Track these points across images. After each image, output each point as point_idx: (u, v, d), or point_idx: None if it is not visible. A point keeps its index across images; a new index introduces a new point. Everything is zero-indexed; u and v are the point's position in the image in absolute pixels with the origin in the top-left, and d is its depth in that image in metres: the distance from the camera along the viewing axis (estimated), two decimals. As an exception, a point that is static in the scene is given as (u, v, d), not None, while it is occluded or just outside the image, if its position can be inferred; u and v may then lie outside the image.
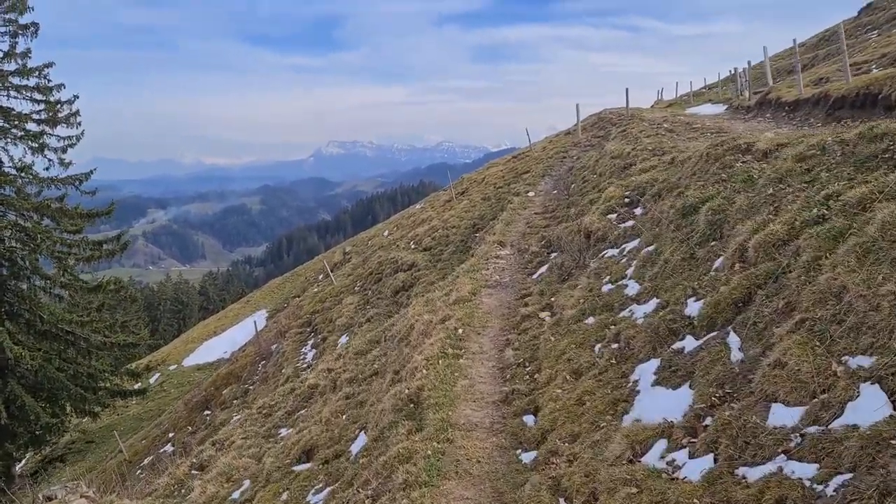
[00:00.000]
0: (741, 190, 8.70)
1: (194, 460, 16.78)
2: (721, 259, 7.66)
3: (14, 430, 33.62)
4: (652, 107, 54.72)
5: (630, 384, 6.84)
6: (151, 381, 49.31)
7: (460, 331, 10.84)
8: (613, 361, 7.45)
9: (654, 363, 6.84)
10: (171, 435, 35.39)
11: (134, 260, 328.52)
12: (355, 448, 9.52)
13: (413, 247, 33.65)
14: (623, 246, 11.31)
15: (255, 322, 41.56)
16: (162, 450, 33.85)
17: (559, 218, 21.81)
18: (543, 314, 10.68)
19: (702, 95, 55.55)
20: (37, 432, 35.03)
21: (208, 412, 35.26)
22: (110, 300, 40.53)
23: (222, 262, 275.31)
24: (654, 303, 8.19)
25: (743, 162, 10.03)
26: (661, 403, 6.12)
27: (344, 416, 11.46)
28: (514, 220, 24.21)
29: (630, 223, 12.20)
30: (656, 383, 6.50)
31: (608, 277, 10.24)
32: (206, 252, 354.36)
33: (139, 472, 31.93)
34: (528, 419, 7.52)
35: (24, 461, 41.45)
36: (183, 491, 13.14)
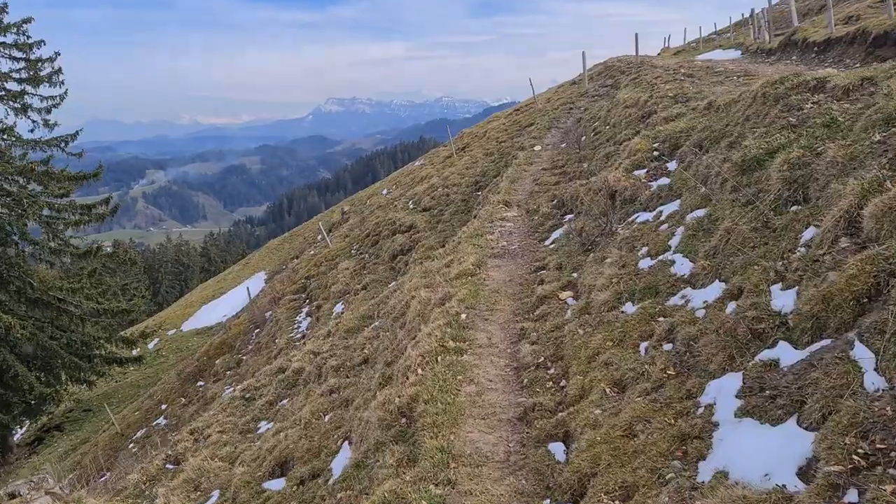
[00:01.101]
0: (825, 137, 6.67)
1: (169, 452, 15.04)
2: (813, 230, 5.67)
3: (8, 399, 33.12)
4: (659, 54, 52.21)
5: (702, 410, 4.88)
6: (150, 346, 47.93)
7: (463, 315, 8.90)
8: (671, 372, 5.49)
9: (734, 380, 4.87)
10: (163, 407, 33.91)
11: (135, 221, 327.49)
12: (336, 466, 7.66)
13: (412, 207, 31.66)
14: (659, 209, 9.31)
15: (247, 289, 39.69)
16: (155, 422, 32.47)
17: (570, 174, 19.77)
18: (565, 294, 8.74)
19: (711, 42, 53.03)
20: (31, 402, 34.41)
21: (201, 383, 33.75)
22: (110, 264, 39.45)
23: (223, 222, 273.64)
24: (717, 288, 6.21)
25: (814, 103, 7.98)
26: (755, 447, 4.18)
27: (326, 418, 9.59)
28: (519, 178, 22.15)
29: (664, 181, 10.18)
30: (743, 413, 4.54)
31: (646, 249, 8.25)
32: (206, 212, 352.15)
33: (131, 445, 30.63)
34: (557, 449, 5.59)
35: (22, 430, 40.44)
36: (146, 502, 11.33)
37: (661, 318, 6.46)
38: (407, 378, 7.45)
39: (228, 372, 31.51)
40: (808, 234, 5.75)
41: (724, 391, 4.88)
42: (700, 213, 7.97)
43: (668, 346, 5.98)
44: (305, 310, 30.49)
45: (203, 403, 28.78)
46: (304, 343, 17.34)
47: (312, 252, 42.86)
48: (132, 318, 46.10)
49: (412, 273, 15.34)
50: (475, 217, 20.18)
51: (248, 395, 16.04)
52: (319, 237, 48.45)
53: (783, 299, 5.23)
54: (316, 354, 13.66)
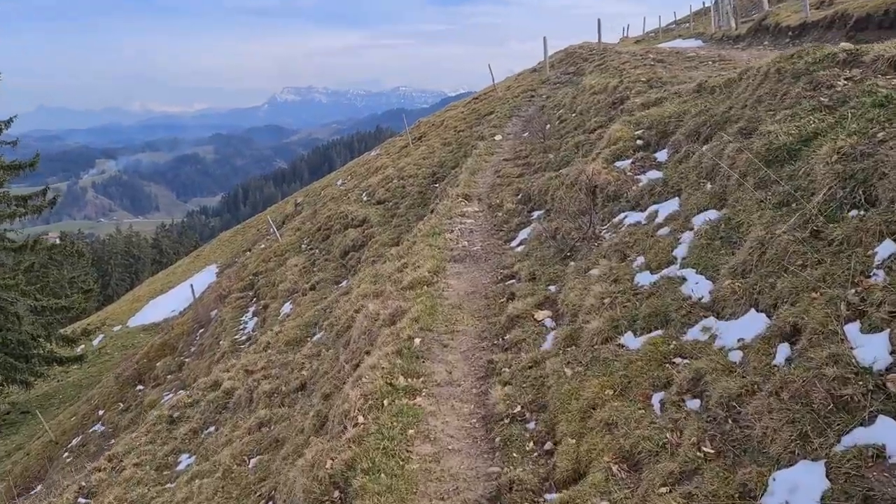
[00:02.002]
0: (884, 120, 5.12)
1: (83, 483, 13.14)
2: (893, 245, 4.09)
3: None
4: (618, 44, 50.98)
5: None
6: (95, 342, 45.50)
7: (417, 341, 7.20)
8: (708, 449, 3.85)
9: (814, 475, 3.25)
10: (101, 413, 31.69)
11: (85, 212, 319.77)
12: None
13: (365, 199, 29.86)
14: (653, 208, 7.71)
15: (191, 286, 37.50)
16: (92, 429, 30.32)
17: (535, 166, 18.17)
18: (542, 315, 7.08)
19: (671, 31, 52.08)
20: (-39, 405, 32.34)
21: (141, 387, 31.64)
22: (57, 256, 38.73)
23: (177, 213, 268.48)
24: (757, 321, 4.60)
25: (848, 79, 6.44)
26: None
27: (251, 463, 7.85)
28: (480, 169, 20.49)
29: (655, 174, 8.59)
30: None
31: (642, 260, 6.63)
32: (159, 203, 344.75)
33: (66, 454, 28.52)
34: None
35: (-46, 435, 38.06)
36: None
37: (678, 360, 4.84)
38: (345, 429, 5.76)
39: (169, 376, 29.52)
40: (885, 249, 4.17)
41: (800, 491, 3.25)
42: (712, 214, 6.38)
43: (694, 404, 4.36)
44: (252, 309, 28.55)
45: (140, 411, 26.85)
46: (245, 351, 15.47)
47: (263, 246, 40.83)
48: (77, 313, 43.94)
49: (361, 277, 13.63)
50: (432, 212, 18.50)
51: (175, 415, 14.17)
52: (271, 230, 46.50)
53: (870, 348, 3.63)
54: (249, 373, 11.87)
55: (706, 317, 5.14)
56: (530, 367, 5.97)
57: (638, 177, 8.78)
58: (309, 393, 8.79)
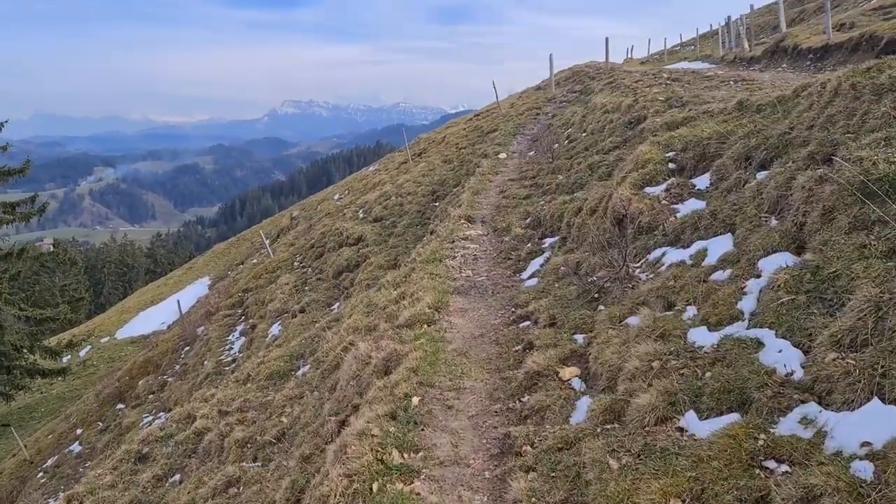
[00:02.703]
0: None
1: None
2: None
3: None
4: (623, 64, 50.00)
5: None
6: (82, 353, 44.20)
7: (416, 400, 5.85)
8: None
9: None
10: (79, 432, 30.34)
11: (81, 219, 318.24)
12: None
13: (361, 216, 28.64)
14: (699, 245, 6.45)
15: (178, 301, 36.18)
16: (68, 449, 28.99)
17: (544, 187, 16.95)
18: (569, 373, 5.75)
19: (676, 53, 51.26)
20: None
21: (121, 406, 30.32)
22: (49, 264, 38.12)
23: (173, 222, 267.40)
24: (885, 416, 3.34)
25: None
26: None
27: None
28: (484, 189, 19.27)
29: (696, 204, 7.33)
30: None
31: (695, 312, 5.33)
32: (156, 212, 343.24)
33: (41, 475, 27.22)
34: None
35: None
36: None
37: (771, 463, 3.54)
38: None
39: (151, 396, 28.25)
40: None
41: None
42: (786, 259, 5.11)
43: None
44: (240, 328, 27.24)
45: (119, 433, 25.51)
46: (225, 381, 14.10)
47: (255, 260, 39.57)
48: (63, 323, 42.84)
49: (353, 305, 12.38)
50: (432, 233, 17.25)
51: (144, 451, 12.84)
52: (268, 240, 45.25)
53: None
54: (224, 414, 10.53)
55: (804, 401, 3.84)
56: (560, 449, 4.64)
57: (675, 206, 7.54)
58: (286, 448, 7.48)
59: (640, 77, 23.83)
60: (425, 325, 7.98)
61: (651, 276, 6.50)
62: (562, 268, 8.47)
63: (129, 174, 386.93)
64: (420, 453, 5.14)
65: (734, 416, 4.08)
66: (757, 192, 6.27)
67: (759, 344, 4.54)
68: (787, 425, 3.79)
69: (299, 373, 11.62)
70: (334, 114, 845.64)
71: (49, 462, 28.62)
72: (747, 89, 16.23)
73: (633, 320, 5.82)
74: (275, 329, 23.04)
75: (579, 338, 6.30)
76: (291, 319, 21.54)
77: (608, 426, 4.67)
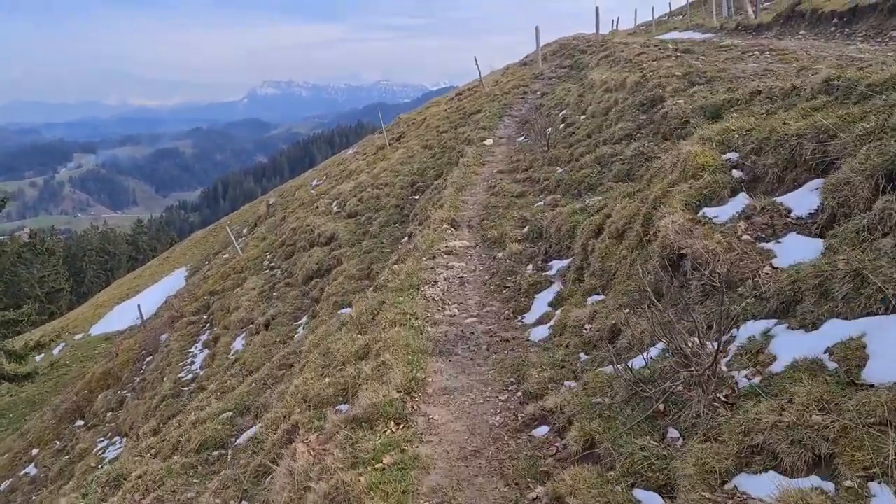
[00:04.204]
0: None
1: None
2: None
3: None
4: (609, 35, 47.28)
5: None
6: (56, 351, 41.72)
7: None
8: None
9: None
10: (34, 452, 27.81)
11: (62, 207, 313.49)
12: None
13: (335, 210, 26.01)
14: (838, 328, 3.80)
15: (139, 306, 33.47)
16: (24, 471, 26.49)
17: (541, 183, 14.36)
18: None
19: (664, 24, 48.64)
20: None
21: (81, 423, 27.83)
22: (26, 254, 37.17)
23: (155, 207, 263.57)
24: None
25: None
26: None
27: None
28: (469, 183, 16.66)
29: (806, 244, 4.69)
30: None
31: (884, 492, 2.83)
32: (137, 198, 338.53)
33: (-8, 500, 24.77)
34: None
35: None
36: None
37: None
38: None
39: (109, 413, 25.75)
40: None
41: None
42: None
43: None
44: (203, 338, 24.65)
45: (71, 460, 23.02)
46: (145, 446, 11.42)
47: (227, 255, 36.84)
48: (31, 323, 40.45)
49: (309, 349, 9.81)
50: (410, 238, 14.65)
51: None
52: (246, 229, 42.66)
53: None
54: (140, 484, 7.98)
55: None
56: None
57: (766, 245, 4.95)
58: None
59: (641, 49, 21.15)
60: (392, 425, 5.41)
61: (756, 378, 3.92)
62: (586, 326, 5.88)
63: (109, 160, 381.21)
64: None
65: None
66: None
67: None
68: None
69: (241, 439, 9.06)
70: (315, 94, 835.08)
71: (3, 486, 26.14)
72: (781, 61, 13.60)
73: (746, 483, 3.26)
74: (238, 344, 20.49)
75: (642, 496, 3.71)
76: (254, 337, 18.94)
77: None
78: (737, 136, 6.75)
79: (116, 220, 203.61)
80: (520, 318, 7.85)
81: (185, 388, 20.51)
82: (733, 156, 6.44)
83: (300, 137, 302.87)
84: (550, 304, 7.73)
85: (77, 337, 44.95)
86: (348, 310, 14.96)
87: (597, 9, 34.95)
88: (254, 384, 11.31)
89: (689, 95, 11.77)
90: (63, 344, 43.24)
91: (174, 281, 46.52)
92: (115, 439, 22.38)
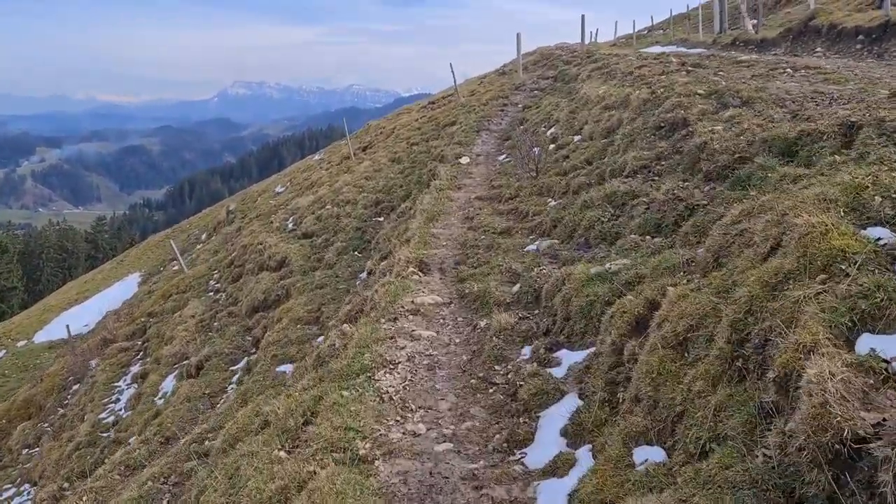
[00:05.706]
0: None
1: None
2: None
3: None
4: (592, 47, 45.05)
5: None
6: (-7, 361, 38.27)
7: None
8: None
9: None
10: (-52, 485, 24.43)
11: (22, 202, 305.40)
12: None
13: (290, 227, 23.22)
14: None
15: (67, 326, 30.29)
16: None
17: (530, 218, 11.73)
18: None
19: (644, 38, 46.50)
20: None
21: (-1, 455, 24.61)
22: None
23: (119, 205, 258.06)
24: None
25: None
26: None
27: None
28: (442, 212, 13.92)
29: None
30: None
31: None
32: (101, 194, 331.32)
33: None
34: None
35: None
36: None
37: None
38: None
39: (25, 451, 22.71)
40: None
41: None
42: None
43: None
44: (134, 369, 21.64)
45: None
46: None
47: (176, 267, 33.70)
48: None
49: (214, 463, 7.06)
50: (368, 291, 11.89)
51: None
52: (205, 235, 39.72)
53: None
54: None
55: None
56: None
57: None
58: None
59: (639, 63, 18.63)
60: None
61: None
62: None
63: (73, 155, 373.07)
64: None
65: None
66: None
67: None
68: None
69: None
70: (286, 95, 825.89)
71: None
72: (830, 80, 11.10)
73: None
74: (168, 384, 17.62)
75: None
76: (183, 381, 16.06)
77: None
78: (877, 197, 4.16)
79: (78, 217, 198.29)
80: (518, 453, 5.18)
81: (104, 434, 17.63)
82: (884, 233, 3.86)
83: (270, 139, 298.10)
84: (565, 435, 5.09)
85: (20, 344, 41.45)
86: (289, 368, 12.25)
87: (583, 17, 32.54)
88: (150, 484, 8.47)
89: (724, 121, 9.21)
90: (4, 351, 39.91)
91: (126, 287, 43.19)
92: (23, 487, 19.44)
